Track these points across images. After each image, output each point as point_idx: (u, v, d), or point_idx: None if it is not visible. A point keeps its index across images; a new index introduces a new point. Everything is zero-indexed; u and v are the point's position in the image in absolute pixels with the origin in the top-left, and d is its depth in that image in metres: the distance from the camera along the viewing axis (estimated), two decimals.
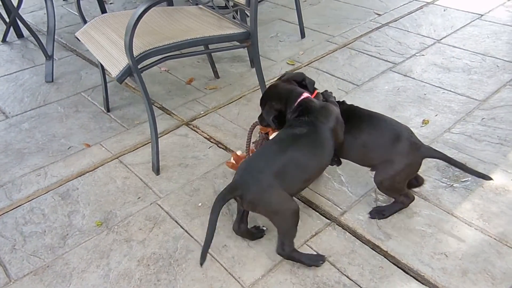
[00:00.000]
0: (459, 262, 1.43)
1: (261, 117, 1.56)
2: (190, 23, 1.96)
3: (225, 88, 2.51)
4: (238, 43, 2.00)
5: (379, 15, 3.37)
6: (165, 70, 2.72)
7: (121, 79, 1.66)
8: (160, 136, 2.07)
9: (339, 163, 1.61)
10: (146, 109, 1.75)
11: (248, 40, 1.93)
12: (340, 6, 3.57)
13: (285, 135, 1.40)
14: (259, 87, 2.52)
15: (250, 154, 1.63)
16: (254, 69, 2.72)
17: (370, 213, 1.61)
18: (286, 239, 1.36)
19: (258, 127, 1.65)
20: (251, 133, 1.67)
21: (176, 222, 1.63)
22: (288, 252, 1.37)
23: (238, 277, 1.41)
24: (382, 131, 1.50)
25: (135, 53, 1.63)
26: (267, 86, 1.61)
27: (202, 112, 2.28)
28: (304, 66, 2.72)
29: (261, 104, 1.55)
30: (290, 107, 1.45)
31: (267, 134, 1.65)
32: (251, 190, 1.29)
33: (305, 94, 1.48)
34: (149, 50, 1.67)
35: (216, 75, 2.60)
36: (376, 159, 1.51)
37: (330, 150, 1.42)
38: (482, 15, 3.20)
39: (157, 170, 1.83)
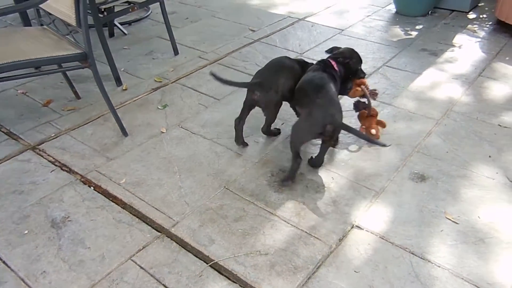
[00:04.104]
0: (270, 257, 1.56)
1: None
2: (23, 45, 1.94)
3: (85, 108, 2.50)
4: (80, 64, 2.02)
5: (254, 31, 3.57)
6: (22, 93, 2.64)
7: None
8: None
9: None
10: None
11: (86, 61, 1.95)
12: (219, 23, 3.73)
13: None
14: (121, 105, 2.55)
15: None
16: (119, 88, 2.75)
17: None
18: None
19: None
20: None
21: None
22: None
23: None
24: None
25: None
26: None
27: (53, 135, 2.24)
28: (172, 83, 2.80)
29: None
30: None
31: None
32: None
33: None
34: None
35: (77, 96, 2.58)
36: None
37: None
38: (342, 30, 3.53)
39: None
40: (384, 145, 1.93)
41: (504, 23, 3.29)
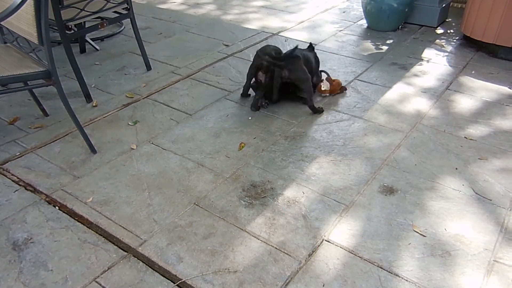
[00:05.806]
0: (239, 275, 1.54)
1: None
2: None
3: (52, 125, 2.44)
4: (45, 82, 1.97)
5: (227, 46, 3.58)
6: None
7: None
8: None
9: None
10: None
11: (50, 78, 1.91)
12: (193, 38, 3.73)
13: None
14: (90, 122, 2.50)
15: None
16: (89, 104, 2.70)
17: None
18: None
19: None
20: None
21: None
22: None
23: None
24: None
25: None
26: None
27: (18, 154, 2.18)
28: (143, 98, 2.77)
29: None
30: None
31: None
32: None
33: None
34: None
35: (45, 113, 2.52)
36: None
37: None
38: (316, 45, 3.58)
39: None
40: None
41: (470, 38, 3.40)
